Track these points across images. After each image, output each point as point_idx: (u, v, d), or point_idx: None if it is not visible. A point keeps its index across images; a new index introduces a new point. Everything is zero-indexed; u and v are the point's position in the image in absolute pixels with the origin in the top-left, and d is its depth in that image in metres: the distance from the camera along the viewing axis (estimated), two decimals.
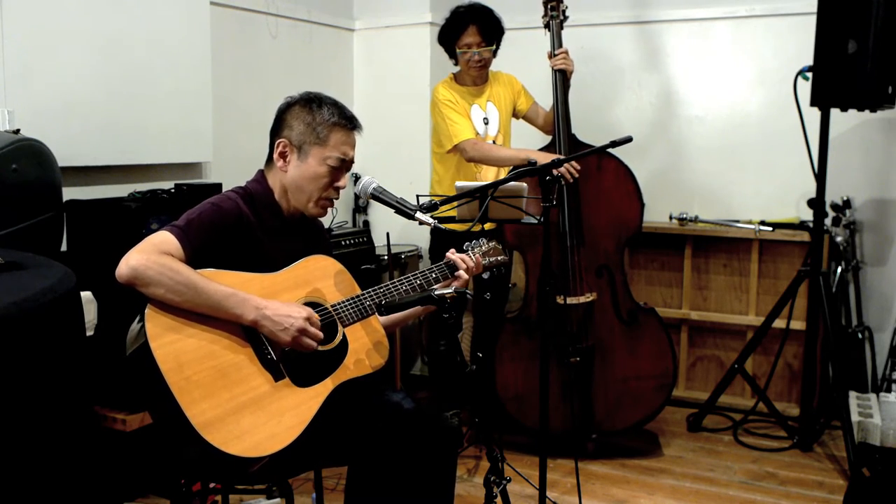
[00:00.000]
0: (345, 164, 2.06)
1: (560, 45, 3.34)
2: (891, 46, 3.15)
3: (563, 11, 3.38)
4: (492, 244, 2.29)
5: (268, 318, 1.83)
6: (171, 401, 1.71)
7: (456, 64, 3.45)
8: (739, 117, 4.04)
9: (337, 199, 2.09)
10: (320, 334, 1.89)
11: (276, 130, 2.07)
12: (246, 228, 1.97)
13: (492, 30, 3.33)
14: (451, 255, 2.17)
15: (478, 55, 3.32)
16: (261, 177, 2.09)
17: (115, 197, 2.93)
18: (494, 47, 3.38)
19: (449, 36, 3.37)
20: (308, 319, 1.86)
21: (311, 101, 2.05)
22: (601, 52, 4.24)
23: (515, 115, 3.56)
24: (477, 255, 2.21)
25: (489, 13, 3.33)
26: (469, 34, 3.30)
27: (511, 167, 3.22)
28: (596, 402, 3.31)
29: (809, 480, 3.17)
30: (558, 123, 3.29)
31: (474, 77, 3.43)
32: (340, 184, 2.06)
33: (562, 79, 3.31)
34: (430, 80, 4.19)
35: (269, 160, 2.09)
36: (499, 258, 2.29)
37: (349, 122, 2.06)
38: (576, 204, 3.28)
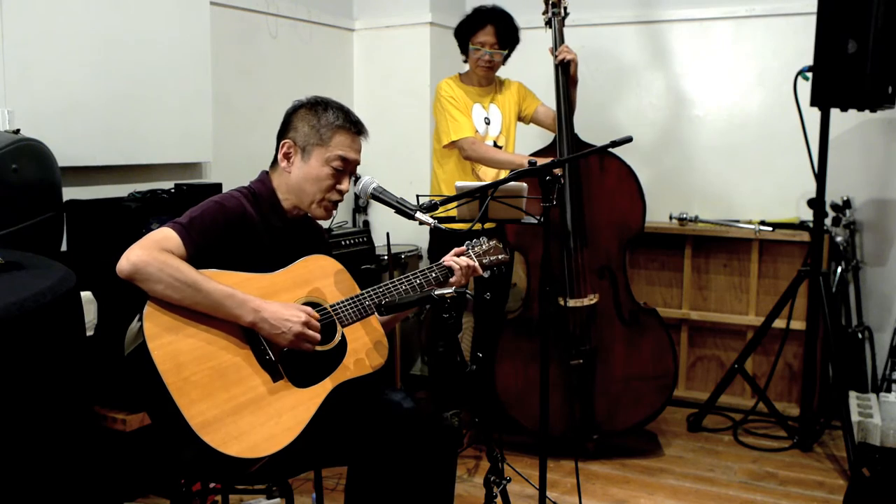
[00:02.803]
0: (347, 167, 2.06)
1: (562, 42, 3.34)
2: (891, 46, 3.15)
3: (565, 8, 3.38)
4: (492, 243, 2.27)
5: (266, 321, 1.84)
6: (168, 401, 1.70)
7: (465, 61, 3.47)
8: (740, 117, 4.04)
9: (340, 201, 2.09)
10: (318, 336, 1.90)
11: (283, 132, 2.08)
12: (249, 227, 1.98)
13: (508, 35, 3.36)
14: (448, 259, 2.17)
15: (488, 55, 3.34)
16: (265, 177, 2.10)
17: (115, 197, 2.93)
18: (506, 52, 3.41)
19: (465, 30, 3.39)
20: (306, 323, 1.87)
21: (318, 105, 2.07)
22: (602, 52, 4.24)
23: (523, 119, 3.57)
24: (474, 256, 2.20)
25: (509, 20, 3.37)
26: (485, 33, 3.33)
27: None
28: (597, 403, 3.31)
29: (809, 480, 3.17)
30: (561, 119, 3.29)
31: (480, 77, 3.44)
32: (343, 187, 2.06)
33: (564, 73, 3.31)
34: (430, 80, 4.19)
35: (275, 162, 2.10)
36: (499, 257, 2.27)
37: (353, 126, 2.07)
38: (578, 204, 3.28)
